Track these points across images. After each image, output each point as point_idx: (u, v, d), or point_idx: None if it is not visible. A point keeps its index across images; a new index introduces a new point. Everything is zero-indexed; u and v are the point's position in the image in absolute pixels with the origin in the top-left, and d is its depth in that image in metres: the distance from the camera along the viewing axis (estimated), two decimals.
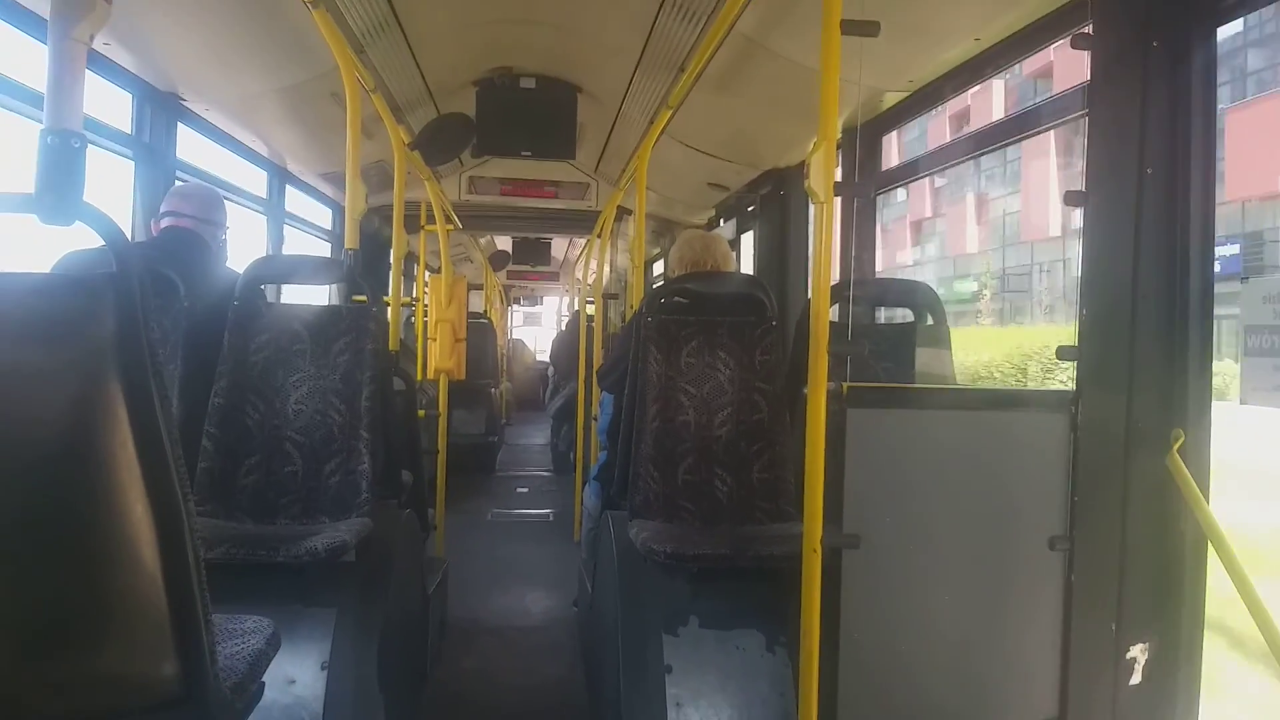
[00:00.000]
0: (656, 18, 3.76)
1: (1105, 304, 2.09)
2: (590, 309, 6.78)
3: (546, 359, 14.06)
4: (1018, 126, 2.86)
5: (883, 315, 3.78)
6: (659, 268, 8.65)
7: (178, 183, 3.78)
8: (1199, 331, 2.01)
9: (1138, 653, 2.03)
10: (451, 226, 6.01)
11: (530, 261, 11.48)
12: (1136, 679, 2.04)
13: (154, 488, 1.40)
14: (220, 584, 1.72)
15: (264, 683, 1.84)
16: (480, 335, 9.10)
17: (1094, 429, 2.07)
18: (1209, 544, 1.95)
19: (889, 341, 3.27)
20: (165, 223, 3.12)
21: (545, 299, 19.13)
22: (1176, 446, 1.97)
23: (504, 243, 11.72)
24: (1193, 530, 1.99)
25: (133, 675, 1.48)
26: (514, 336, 17.79)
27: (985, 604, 2.09)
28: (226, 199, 4.55)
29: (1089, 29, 2.22)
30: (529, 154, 5.35)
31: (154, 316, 1.45)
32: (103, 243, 1.39)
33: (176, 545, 1.43)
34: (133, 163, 3.68)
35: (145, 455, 1.38)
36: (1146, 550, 2.03)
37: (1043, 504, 2.09)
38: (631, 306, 4.70)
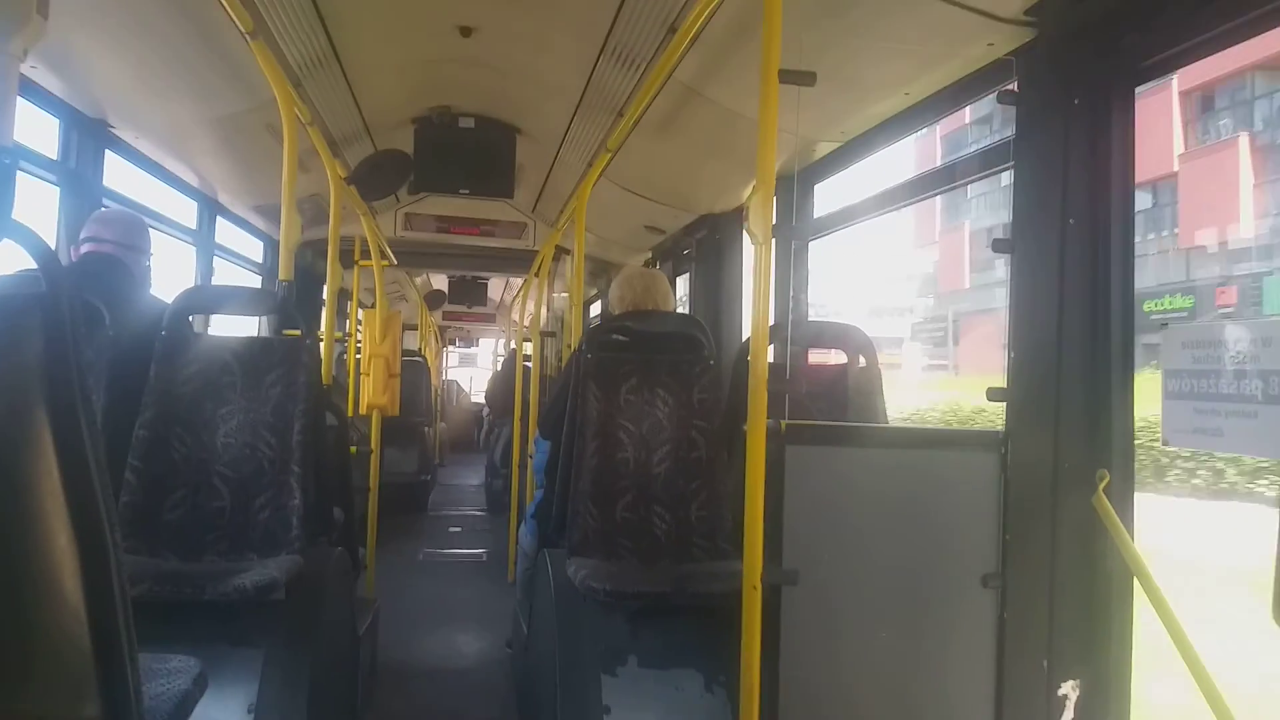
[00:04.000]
0: (596, 63, 3.82)
1: (1032, 347, 2.17)
2: (527, 348, 6.76)
3: (482, 400, 13.92)
4: (947, 176, 2.96)
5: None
6: (596, 308, 8.68)
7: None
8: (1121, 374, 2.09)
9: (1069, 689, 2.08)
10: (387, 262, 5.96)
11: (466, 301, 11.40)
12: (1068, 716, 2.08)
13: (79, 518, 1.34)
14: (144, 623, 1.65)
15: None
16: (414, 373, 8.99)
17: (1023, 468, 2.14)
18: (1134, 580, 2.01)
19: (823, 383, 3.33)
20: (85, 248, 3.04)
21: (481, 341, 18.98)
22: (1102, 486, 2.04)
23: (440, 282, 11.62)
24: (1119, 567, 2.05)
25: (51, 715, 1.41)
26: (448, 378, 17.60)
27: (921, 640, 2.12)
28: (155, 229, 4.46)
29: (1014, 86, 2.33)
30: (467, 192, 5.35)
31: (82, 342, 1.40)
32: (28, 266, 1.34)
33: (102, 578, 1.37)
34: (58, 189, 3.58)
35: (70, 484, 1.33)
36: (1075, 587, 2.09)
37: (976, 541, 2.14)
38: (569, 346, 4.71)
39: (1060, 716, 2.07)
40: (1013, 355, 2.20)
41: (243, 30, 2.89)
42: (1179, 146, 25.77)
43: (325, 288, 4.25)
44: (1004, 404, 2.21)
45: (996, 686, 2.11)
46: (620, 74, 3.80)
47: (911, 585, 2.12)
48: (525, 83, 4.60)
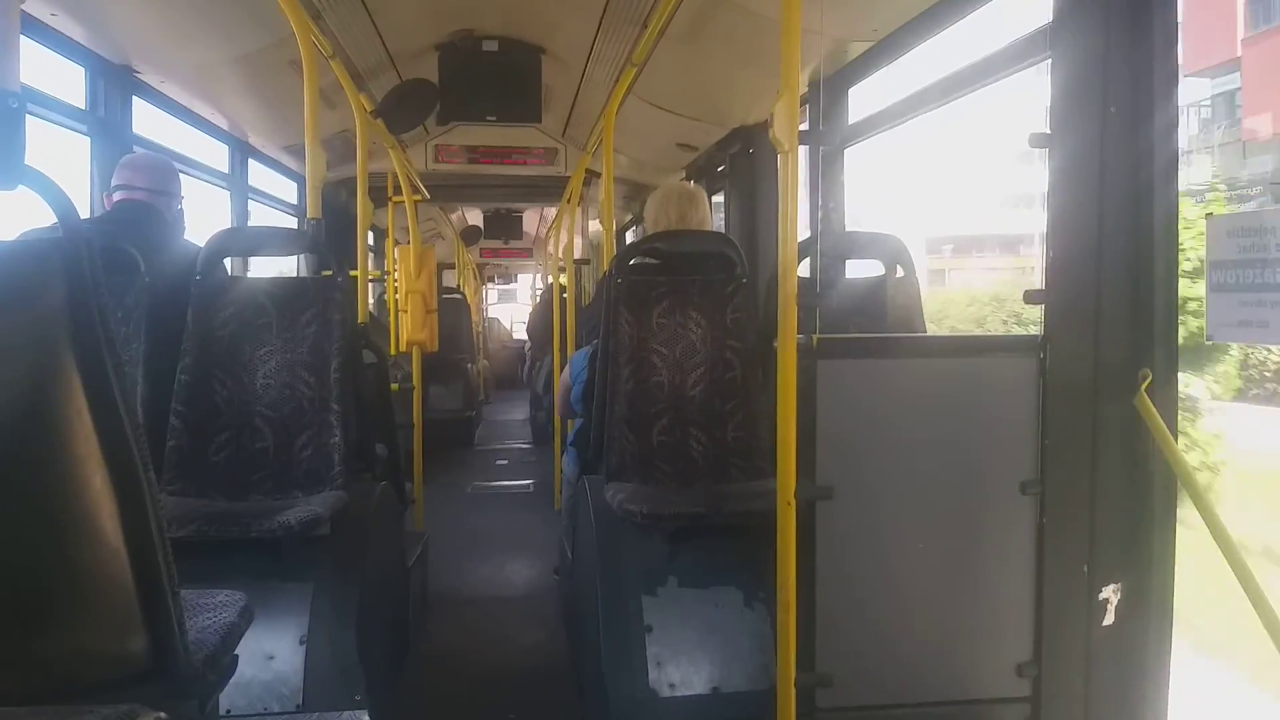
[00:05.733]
0: None
1: (1071, 246, 2.08)
2: (563, 278, 6.75)
3: (523, 336, 14.03)
4: (982, 71, 2.82)
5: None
6: (631, 236, 8.60)
7: None
8: (1164, 271, 2.01)
9: (1110, 594, 2.05)
10: (419, 197, 5.94)
11: (502, 236, 11.44)
12: (1109, 620, 2.05)
13: (112, 458, 1.38)
14: (194, 562, 1.70)
15: (237, 655, 1.83)
16: (454, 310, 9.05)
17: (1062, 372, 2.08)
18: (1178, 482, 1.96)
19: (860, 295, 3.26)
20: (118, 196, 3.06)
21: (519, 276, 19.10)
22: (1144, 386, 1.97)
23: (475, 218, 11.62)
24: (1162, 470, 2.00)
25: (100, 649, 1.46)
26: (489, 315, 17.74)
27: (959, 550, 2.10)
28: (187, 174, 4.48)
29: None
30: (494, 118, 5.29)
31: (111, 290, 1.42)
32: (55, 219, 1.35)
33: (138, 516, 1.41)
34: (88, 139, 3.60)
35: (101, 425, 1.36)
36: (1117, 491, 2.04)
37: (1013, 449, 2.10)
38: (604, 272, 4.68)
39: (1101, 621, 2.04)
40: (1051, 255, 2.11)
41: None
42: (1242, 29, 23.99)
43: (358, 224, 4.25)
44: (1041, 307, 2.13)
45: (1036, 592, 2.09)
46: None
47: (949, 495, 2.09)
48: None
